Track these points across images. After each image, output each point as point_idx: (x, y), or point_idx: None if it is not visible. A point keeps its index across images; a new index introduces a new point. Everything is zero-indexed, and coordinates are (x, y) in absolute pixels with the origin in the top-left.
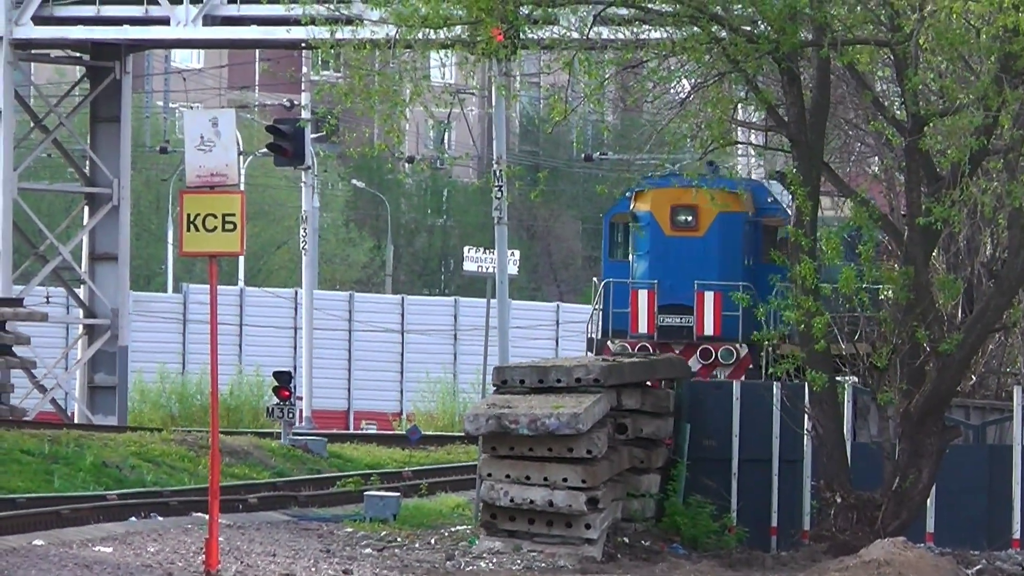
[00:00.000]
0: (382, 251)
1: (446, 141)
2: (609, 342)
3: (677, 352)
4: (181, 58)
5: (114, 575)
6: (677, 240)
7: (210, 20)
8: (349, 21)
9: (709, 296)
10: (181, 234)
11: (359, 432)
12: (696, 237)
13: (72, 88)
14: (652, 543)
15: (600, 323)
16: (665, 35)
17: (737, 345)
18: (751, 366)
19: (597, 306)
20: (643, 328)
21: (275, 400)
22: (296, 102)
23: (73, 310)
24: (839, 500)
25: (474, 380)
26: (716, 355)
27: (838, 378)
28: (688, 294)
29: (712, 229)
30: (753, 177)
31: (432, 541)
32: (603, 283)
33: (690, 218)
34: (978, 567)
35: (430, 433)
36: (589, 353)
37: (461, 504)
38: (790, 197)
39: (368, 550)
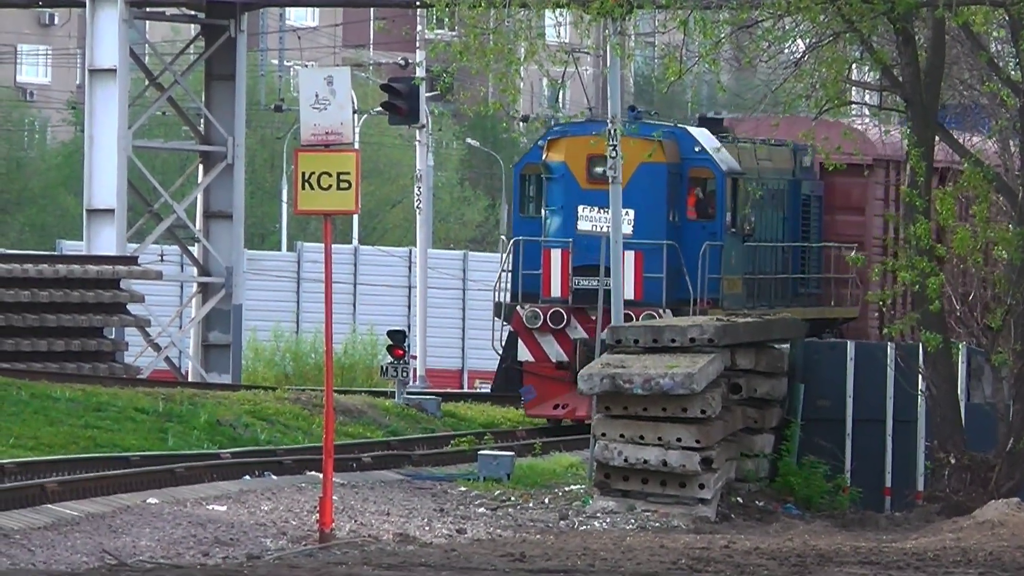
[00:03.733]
0: (496, 210)
1: (560, 100)
2: (518, 307)
3: (594, 318)
4: (296, 16)
5: (228, 533)
6: (594, 194)
7: None
8: None
9: (629, 256)
10: (296, 193)
11: (473, 391)
12: None
13: (187, 46)
14: (766, 503)
15: (509, 286)
16: None
17: (661, 311)
18: None
19: (505, 267)
20: (556, 291)
21: (389, 359)
22: (411, 60)
23: (187, 268)
24: (953, 461)
25: None
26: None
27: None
28: (606, 254)
29: (633, 182)
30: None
31: (546, 500)
32: (512, 241)
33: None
34: None
35: None
36: (496, 319)
37: (575, 464)
38: (719, 146)
39: (482, 509)
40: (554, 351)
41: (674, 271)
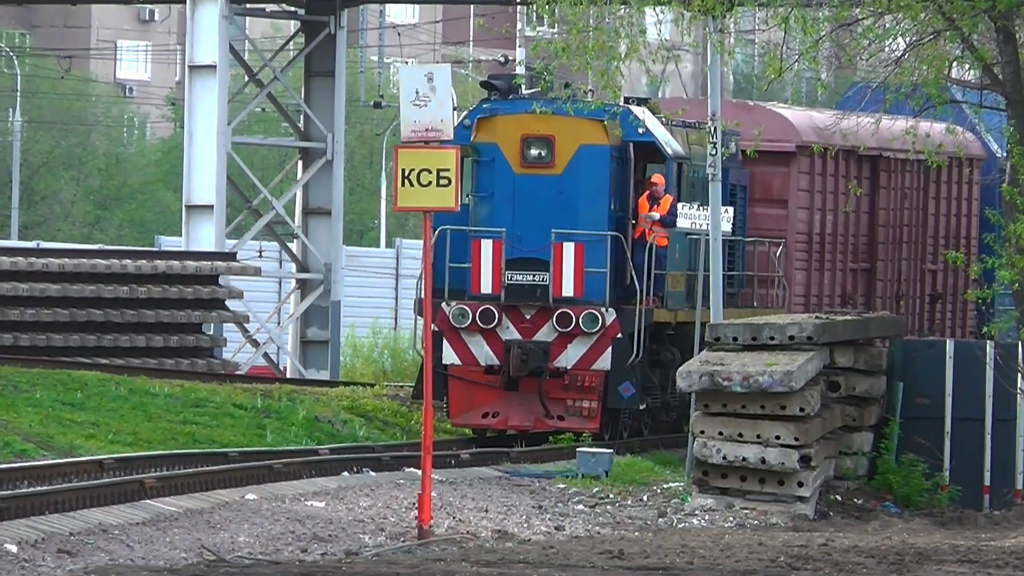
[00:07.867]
0: None
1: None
2: (444, 304)
3: (528, 317)
4: (396, 13)
5: (326, 530)
6: (529, 179)
7: None
8: None
9: (569, 248)
10: (395, 189)
11: None
12: (552, 175)
13: (287, 43)
14: (864, 501)
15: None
16: None
17: (603, 309)
18: (619, 335)
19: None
20: (486, 287)
21: None
22: (511, 57)
23: (286, 264)
24: None
25: None
26: (576, 321)
27: None
28: (543, 246)
29: (572, 166)
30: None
31: (644, 498)
32: (436, 232)
33: (544, 152)
34: None
35: None
36: (418, 318)
37: (673, 461)
38: (663, 127)
39: (580, 507)
40: (483, 353)
41: (617, 266)
